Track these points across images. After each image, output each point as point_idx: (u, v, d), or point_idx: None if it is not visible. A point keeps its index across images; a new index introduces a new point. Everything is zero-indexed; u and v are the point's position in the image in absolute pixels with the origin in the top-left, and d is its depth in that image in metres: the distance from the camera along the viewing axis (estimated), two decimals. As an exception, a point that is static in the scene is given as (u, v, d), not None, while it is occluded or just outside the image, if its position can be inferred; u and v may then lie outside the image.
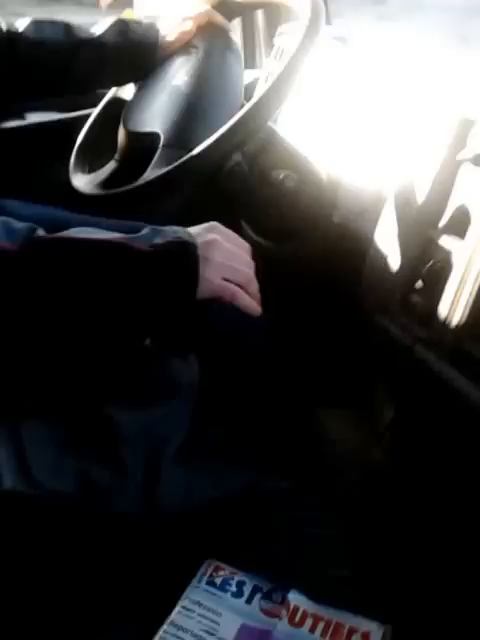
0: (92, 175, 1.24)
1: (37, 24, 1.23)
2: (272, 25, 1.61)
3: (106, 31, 1.24)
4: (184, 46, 1.24)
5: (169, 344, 1.12)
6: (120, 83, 1.30)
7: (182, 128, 1.13)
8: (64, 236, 0.83)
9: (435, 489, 1.11)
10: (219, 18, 1.27)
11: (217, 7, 1.28)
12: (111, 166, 1.23)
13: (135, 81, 1.27)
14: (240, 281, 0.89)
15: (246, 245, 0.93)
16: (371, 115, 1.24)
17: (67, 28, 1.24)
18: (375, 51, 1.35)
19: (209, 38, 1.24)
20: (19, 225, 0.81)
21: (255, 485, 1.15)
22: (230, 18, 1.31)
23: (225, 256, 0.87)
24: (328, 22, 1.18)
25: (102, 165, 1.25)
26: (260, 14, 1.67)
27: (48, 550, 1.08)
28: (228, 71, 1.21)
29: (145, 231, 0.86)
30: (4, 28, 1.23)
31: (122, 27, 1.24)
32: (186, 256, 0.84)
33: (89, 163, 1.27)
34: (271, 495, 1.15)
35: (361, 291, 1.15)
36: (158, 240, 0.83)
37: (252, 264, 0.92)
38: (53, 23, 1.24)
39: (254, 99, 1.06)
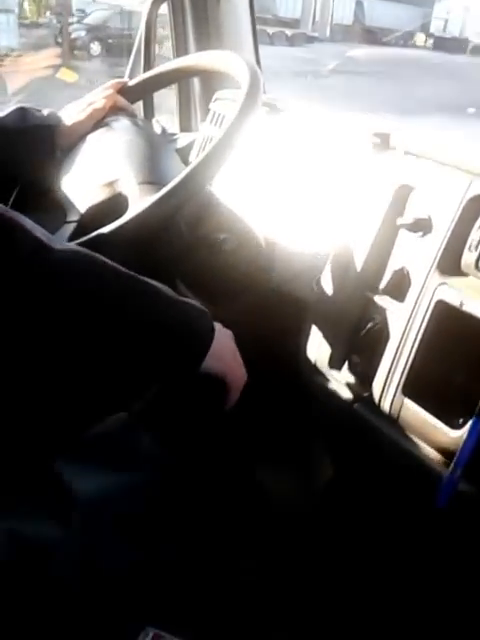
0: None
1: None
2: (208, 91, 1.64)
3: (6, 115, 1.29)
4: (95, 125, 1.30)
5: (144, 417, 1.12)
6: (21, 168, 1.32)
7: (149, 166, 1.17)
8: None
9: (373, 546, 1.12)
10: (122, 101, 1.33)
11: (120, 92, 1.33)
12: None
13: (38, 165, 1.29)
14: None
15: None
16: (307, 179, 1.27)
17: None
18: (305, 117, 1.39)
19: (117, 115, 1.30)
20: None
21: (192, 553, 1.13)
22: (134, 100, 1.39)
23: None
24: (264, 90, 1.22)
25: None
26: (196, 81, 1.71)
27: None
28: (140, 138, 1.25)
29: None
30: None
31: (21, 113, 1.30)
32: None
33: None
34: (209, 559, 1.13)
35: (301, 351, 1.16)
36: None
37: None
38: None
39: (195, 162, 1.08)
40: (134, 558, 1.11)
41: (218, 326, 1.00)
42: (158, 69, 1.38)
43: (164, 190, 1.05)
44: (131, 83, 1.38)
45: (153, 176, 1.16)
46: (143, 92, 1.43)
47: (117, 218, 1.07)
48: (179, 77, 1.45)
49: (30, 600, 1.06)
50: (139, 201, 1.09)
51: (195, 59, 1.34)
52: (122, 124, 1.28)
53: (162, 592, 1.10)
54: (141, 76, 1.42)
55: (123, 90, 1.36)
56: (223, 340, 1.01)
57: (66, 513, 1.09)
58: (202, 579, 1.12)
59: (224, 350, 1.01)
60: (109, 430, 1.13)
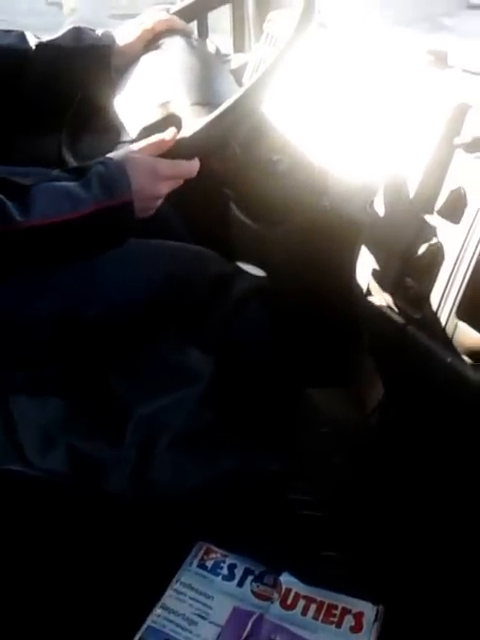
0: None
1: None
2: (262, 11, 1.60)
3: (61, 36, 1.29)
4: (146, 46, 1.28)
5: (191, 334, 1.13)
6: (76, 87, 1.31)
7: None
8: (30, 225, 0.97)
9: (425, 469, 1.12)
10: (178, 22, 1.30)
11: (177, 13, 1.31)
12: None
13: (93, 85, 1.29)
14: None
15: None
16: (360, 100, 1.24)
17: (22, 35, 1.29)
18: (358, 35, 1.35)
19: (171, 36, 1.27)
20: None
21: (246, 468, 1.15)
22: (189, 20, 1.36)
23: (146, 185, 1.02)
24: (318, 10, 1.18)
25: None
26: (250, 1, 1.67)
27: (40, 532, 1.07)
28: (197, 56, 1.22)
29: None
30: None
31: (76, 33, 1.29)
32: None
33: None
34: (262, 478, 1.15)
35: (353, 274, 1.15)
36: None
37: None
38: (8, 32, 1.30)
39: (247, 83, 1.06)
40: (186, 474, 1.14)
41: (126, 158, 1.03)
42: None
43: (216, 112, 1.04)
44: (185, 3, 1.36)
45: (206, 97, 1.14)
46: (196, 12, 1.40)
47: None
48: None
49: (84, 513, 1.10)
50: (191, 122, 1.08)
51: None
52: (176, 44, 1.26)
53: (213, 509, 1.13)
54: None
55: (176, 12, 1.34)
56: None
57: (120, 431, 1.11)
58: (254, 497, 1.14)
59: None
60: (160, 349, 1.14)
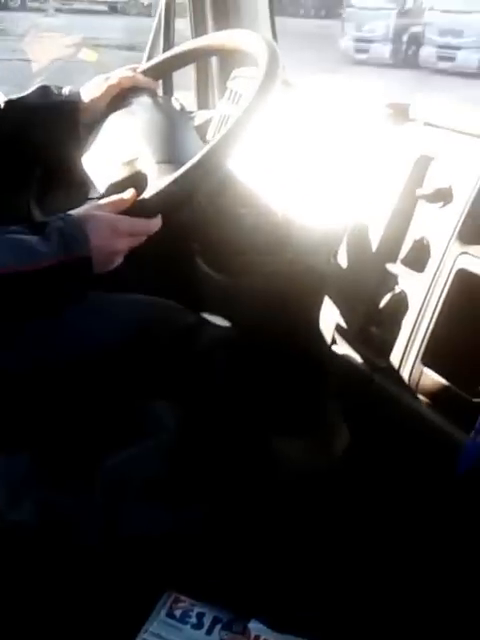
0: None
1: None
2: (226, 69, 1.65)
3: (29, 93, 1.31)
4: (112, 102, 1.30)
5: (156, 385, 1.14)
6: (44, 144, 1.32)
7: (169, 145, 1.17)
8: None
9: (392, 515, 1.13)
10: (143, 80, 1.33)
11: (143, 72, 1.34)
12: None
13: (60, 141, 1.31)
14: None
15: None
16: (324, 153, 1.27)
17: None
18: (320, 92, 1.40)
19: (137, 94, 1.30)
20: None
21: (214, 517, 1.15)
22: (156, 79, 1.38)
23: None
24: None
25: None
26: (214, 59, 1.71)
27: (8, 584, 1.05)
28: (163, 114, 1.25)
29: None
30: None
31: (43, 91, 1.32)
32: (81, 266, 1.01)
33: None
34: (229, 527, 1.15)
35: (318, 322, 1.17)
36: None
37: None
38: None
39: (213, 141, 1.09)
40: (155, 524, 1.14)
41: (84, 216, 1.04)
42: (177, 49, 1.39)
43: (181, 170, 1.06)
44: (151, 63, 1.39)
45: (171, 155, 1.16)
46: (163, 71, 1.44)
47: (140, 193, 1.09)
48: (198, 56, 1.45)
49: (53, 564, 1.08)
50: (157, 180, 1.10)
51: (213, 38, 1.34)
52: (143, 102, 1.29)
53: (181, 558, 1.12)
54: (161, 56, 1.43)
55: (145, 70, 1.37)
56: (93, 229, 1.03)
57: (88, 482, 1.11)
58: (219, 546, 1.14)
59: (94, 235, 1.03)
60: (126, 400, 1.15)
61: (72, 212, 1.06)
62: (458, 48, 9.30)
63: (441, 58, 9.46)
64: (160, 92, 1.52)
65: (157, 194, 1.06)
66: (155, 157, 1.15)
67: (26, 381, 1.14)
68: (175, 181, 1.06)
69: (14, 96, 1.32)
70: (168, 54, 1.41)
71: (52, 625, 1.05)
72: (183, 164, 1.07)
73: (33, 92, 1.31)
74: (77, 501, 1.11)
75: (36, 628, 1.04)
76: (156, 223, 1.07)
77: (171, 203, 1.07)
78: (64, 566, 1.08)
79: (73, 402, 1.15)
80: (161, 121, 1.25)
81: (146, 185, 1.12)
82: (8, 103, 1.30)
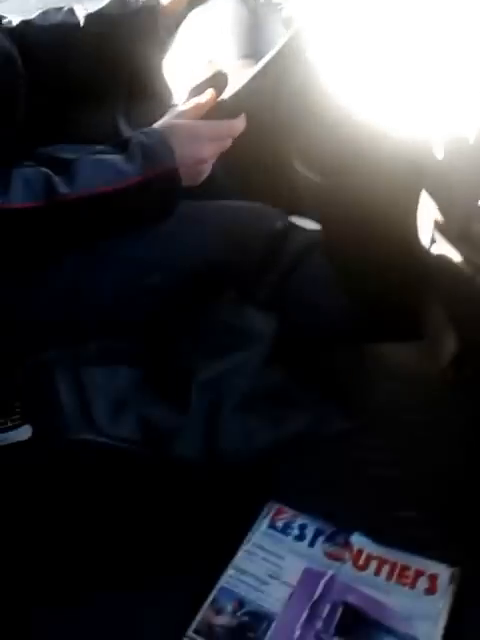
0: None
1: (44, 13, 1.31)
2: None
3: (106, 5, 1.29)
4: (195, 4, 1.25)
5: (249, 294, 1.12)
6: (127, 55, 1.30)
7: None
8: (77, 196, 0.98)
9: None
10: None
11: None
12: None
13: (143, 49, 1.26)
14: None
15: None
16: (420, 37, 1.17)
17: (71, 10, 1.30)
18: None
19: None
20: (36, 180, 0.97)
21: (317, 428, 1.13)
22: None
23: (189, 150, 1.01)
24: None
25: None
26: None
27: (113, 499, 1.08)
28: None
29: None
30: (14, 23, 1.30)
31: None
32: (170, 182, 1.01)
33: None
34: (334, 437, 1.13)
35: (417, 223, 1.11)
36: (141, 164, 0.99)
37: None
38: (59, 9, 1.31)
39: (293, 29, 1.03)
40: (254, 436, 1.13)
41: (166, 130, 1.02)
42: None
43: (259, 65, 1.01)
44: None
45: (254, 49, 1.11)
46: None
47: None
48: None
49: (156, 478, 1.10)
50: (238, 77, 1.05)
51: None
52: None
53: (284, 469, 1.11)
54: None
55: None
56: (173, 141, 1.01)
57: (186, 397, 1.11)
58: (324, 453, 1.12)
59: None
60: (219, 312, 1.13)
61: (154, 125, 1.03)
62: None
63: None
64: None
65: (236, 93, 1.01)
66: (237, 52, 1.10)
67: (125, 296, 1.14)
68: (254, 77, 1.01)
69: (92, 10, 1.29)
70: None
71: (155, 537, 1.07)
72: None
73: (110, 3, 1.29)
74: (176, 415, 1.11)
75: (140, 541, 1.06)
76: (240, 124, 1.03)
77: (252, 101, 1.02)
78: (166, 480, 1.10)
79: (169, 316, 1.15)
80: (243, 14, 1.19)
81: (227, 84, 1.07)
82: (87, 18, 1.28)
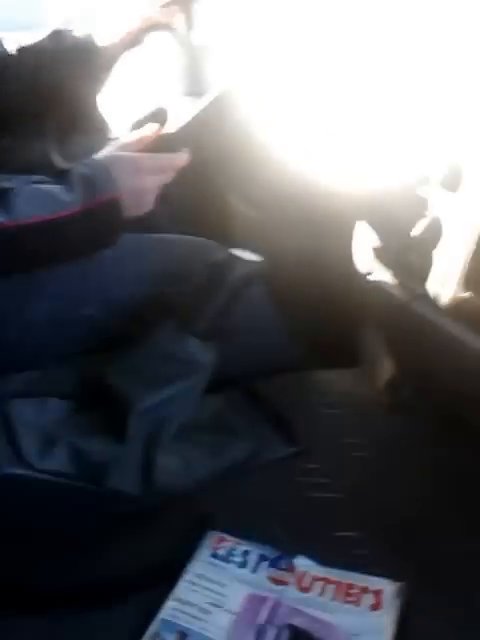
0: None
1: None
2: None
3: (43, 39, 1.29)
4: (129, 44, 1.28)
5: (189, 324, 1.13)
6: (60, 89, 1.31)
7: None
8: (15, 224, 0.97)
9: (440, 441, 1.11)
10: (161, 17, 1.29)
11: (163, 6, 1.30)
12: None
13: (76, 86, 1.28)
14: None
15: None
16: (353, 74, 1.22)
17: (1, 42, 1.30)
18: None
19: (156, 31, 1.27)
20: None
21: (257, 455, 1.14)
22: (173, 15, 1.33)
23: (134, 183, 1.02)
24: None
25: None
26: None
27: (45, 528, 1.05)
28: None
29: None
30: None
31: (57, 35, 1.29)
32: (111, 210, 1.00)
33: None
34: (274, 463, 1.14)
35: (354, 251, 1.15)
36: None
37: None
38: None
39: (231, 75, 1.06)
40: (193, 466, 1.13)
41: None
42: None
43: (204, 101, 1.04)
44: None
45: (195, 87, 1.14)
46: (182, 5, 1.39)
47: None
48: None
49: (93, 512, 1.08)
50: (184, 111, 1.08)
51: None
52: (159, 38, 1.26)
53: (225, 497, 1.11)
54: None
55: (162, 6, 1.33)
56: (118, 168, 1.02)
57: (122, 427, 1.10)
58: (264, 479, 1.13)
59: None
60: (159, 341, 1.13)
61: (95, 156, 1.04)
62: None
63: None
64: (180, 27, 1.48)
65: (179, 129, 1.04)
66: (178, 90, 1.13)
67: (59, 327, 1.13)
68: (196, 115, 1.03)
69: (27, 42, 1.29)
70: None
71: (93, 569, 1.05)
72: (204, 94, 1.05)
73: (46, 37, 1.29)
74: (112, 446, 1.10)
75: (77, 573, 1.04)
76: (182, 158, 1.04)
77: (194, 137, 1.05)
78: (103, 511, 1.08)
79: (106, 346, 1.15)
80: (180, 55, 1.22)
81: (171, 119, 1.09)
82: (21, 50, 1.28)
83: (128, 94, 1.20)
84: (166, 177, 1.05)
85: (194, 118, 1.03)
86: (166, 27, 1.30)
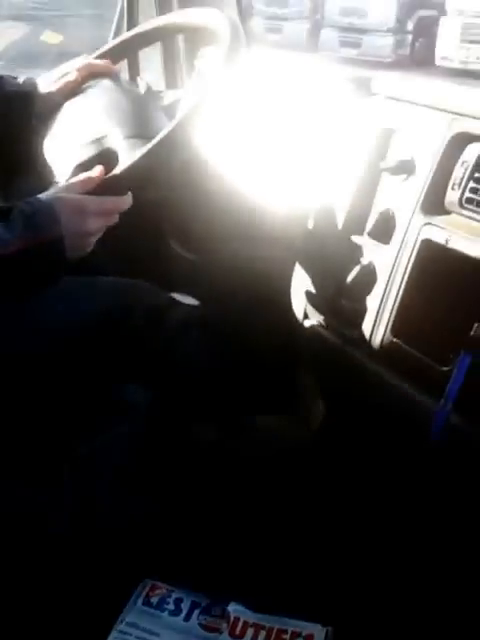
0: None
1: None
2: (193, 48, 1.63)
3: None
4: (69, 93, 1.27)
5: (127, 368, 1.13)
6: (3, 129, 1.28)
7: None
8: None
9: (370, 485, 1.12)
10: (101, 66, 1.30)
11: (101, 56, 1.32)
12: None
13: (16, 131, 1.29)
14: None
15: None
16: (289, 128, 1.26)
17: None
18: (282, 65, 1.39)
19: (96, 80, 1.28)
20: None
21: (188, 502, 1.14)
22: (117, 60, 1.35)
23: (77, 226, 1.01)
24: (247, 45, 1.22)
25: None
26: (180, 38, 1.70)
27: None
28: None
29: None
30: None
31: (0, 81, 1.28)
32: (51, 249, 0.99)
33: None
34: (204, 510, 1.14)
35: (290, 296, 1.17)
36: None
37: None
38: None
39: (181, 114, 1.08)
40: (129, 511, 1.12)
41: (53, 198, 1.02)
42: (135, 30, 1.38)
43: (148, 145, 1.05)
44: (110, 46, 1.37)
45: (139, 129, 1.15)
46: (123, 53, 1.42)
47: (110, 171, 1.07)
48: (158, 37, 1.43)
49: (29, 558, 1.06)
50: (129, 153, 1.08)
51: (175, 17, 1.34)
52: (102, 85, 1.27)
53: (156, 545, 1.11)
54: (119, 38, 1.41)
55: (104, 53, 1.35)
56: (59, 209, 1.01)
57: (58, 472, 1.09)
58: (199, 529, 1.12)
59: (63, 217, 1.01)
60: (96, 385, 1.13)
61: (39, 196, 1.04)
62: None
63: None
64: (123, 75, 1.50)
65: (125, 170, 1.05)
66: (123, 133, 1.14)
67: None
68: (143, 156, 1.04)
69: None
70: (126, 36, 1.40)
71: (26, 617, 1.03)
72: (151, 139, 1.06)
73: None
74: (48, 491, 1.09)
75: (9, 620, 1.02)
76: (126, 200, 1.04)
77: (140, 179, 1.06)
78: (35, 557, 1.06)
79: (41, 389, 1.14)
80: (124, 100, 1.23)
81: (116, 162, 1.10)
82: None
83: (72, 138, 1.21)
84: (109, 220, 1.05)
85: (138, 161, 1.04)
86: (107, 74, 1.31)
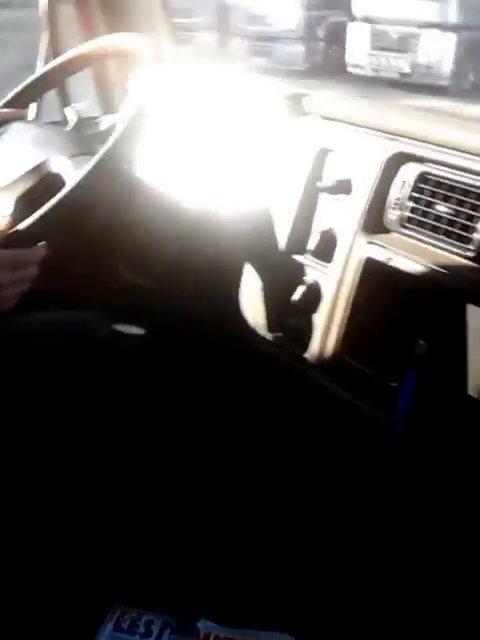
0: None
1: None
2: (123, 70, 1.62)
3: None
4: None
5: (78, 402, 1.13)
6: None
7: None
8: None
9: (329, 498, 1.16)
10: (5, 113, 1.28)
11: (8, 104, 1.30)
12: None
13: None
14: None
15: None
16: (226, 148, 1.27)
17: None
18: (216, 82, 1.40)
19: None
20: None
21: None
22: (27, 103, 1.34)
23: None
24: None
25: None
26: (110, 63, 1.69)
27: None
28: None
29: None
30: None
31: None
32: None
33: None
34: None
35: (240, 317, 1.19)
36: None
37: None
38: None
39: (108, 143, 1.07)
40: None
41: None
42: (44, 69, 1.36)
43: (59, 195, 1.03)
44: (15, 92, 1.35)
45: (80, 148, 1.14)
46: (33, 95, 1.40)
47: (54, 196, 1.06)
48: (73, 70, 1.41)
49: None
50: (77, 172, 1.07)
51: (92, 46, 1.32)
52: (15, 128, 1.25)
53: (126, 566, 1.12)
54: (24, 82, 1.38)
55: (8, 101, 1.33)
56: None
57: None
58: (165, 547, 1.14)
59: None
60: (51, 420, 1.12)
61: None
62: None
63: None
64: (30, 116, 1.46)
65: (32, 223, 1.02)
66: (67, 153, 1.12)
67: None
68: (52, 205, 1.03)
69: None
70: (31, 79, 1.37)
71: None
72: (95, 154, 1.05)
73: None
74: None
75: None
76: (39, 252, 1.01)
77: (49, 226, 1.03)
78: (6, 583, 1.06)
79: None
80: (52, 132, 1.22)
81: (62, 184, 1.08)
82: None
83: (6, 174, 1.19)
84: (27, 272, 1.01)
85: (47, 211, 1.02)
86: (14, 119, 1.29)
